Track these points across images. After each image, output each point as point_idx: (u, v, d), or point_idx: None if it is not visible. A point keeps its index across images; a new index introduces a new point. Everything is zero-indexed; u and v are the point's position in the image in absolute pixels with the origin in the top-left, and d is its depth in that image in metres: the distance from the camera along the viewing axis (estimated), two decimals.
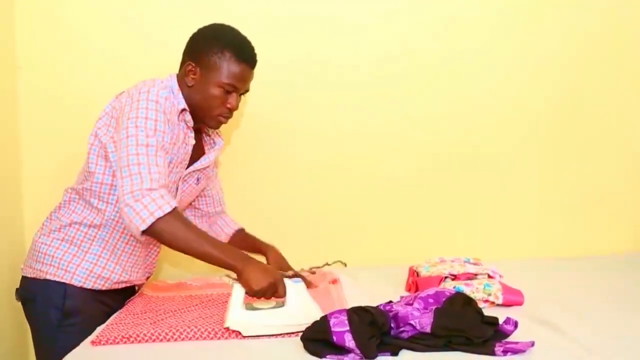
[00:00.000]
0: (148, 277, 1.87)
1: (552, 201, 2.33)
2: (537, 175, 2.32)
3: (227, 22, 1.71)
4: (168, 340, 1.41)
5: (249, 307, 1.46)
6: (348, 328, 1.24)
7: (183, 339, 1.42)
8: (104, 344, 1.39)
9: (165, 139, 1.56)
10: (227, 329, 1.43)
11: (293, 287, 1.49)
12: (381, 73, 2.24)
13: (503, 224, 2.31)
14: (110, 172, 1.64)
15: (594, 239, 2.33)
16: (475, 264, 1.84)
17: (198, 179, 1.82)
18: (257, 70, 1.68)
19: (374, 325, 1.27)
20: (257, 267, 1.50)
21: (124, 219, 1.49)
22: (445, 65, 2.26)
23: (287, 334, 1.41)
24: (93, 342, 1.40)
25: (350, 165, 2.27)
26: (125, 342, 1.40)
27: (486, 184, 2.30)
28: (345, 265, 2.15)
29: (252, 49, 1.69)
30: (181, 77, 1.68)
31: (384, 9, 2.23)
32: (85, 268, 1.66)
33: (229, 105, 1.67)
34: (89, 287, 1.66)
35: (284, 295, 1.48)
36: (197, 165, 1.76)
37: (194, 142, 1.71)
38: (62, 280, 1.64)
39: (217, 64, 1.62)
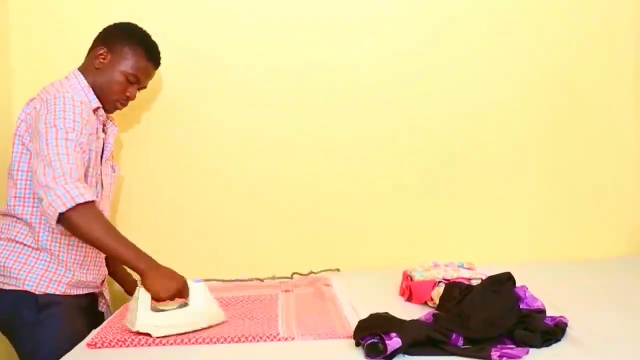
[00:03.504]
0: (103, 281, 1.87)
1: (547, 205, 2.33)
2: (531, 179, 2.32)
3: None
4: (164, 344, 1.41)
5: (155, 308, 1.51)
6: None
7: (181, 343, 1.42)
8: (99, 347, 1.40)
9: (82, 139, 1.62)
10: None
11: (195, 287, 1.55)
12: (374, 77, 2.24)
13: (497, 228, 2.31)
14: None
15: (590, 242, 2.32)
16: (469, 268, 1.85)
17: (112, 166, 1.90)
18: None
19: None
20: (164, 273, 1.55)
21: (42, 201, 1.52)
22: (439, 70, 2.26)
23: (195, 331, 1.47)
24: (89, 345, 1.41)
25: (343, 170, 2.27)
26: (120, 346, 1.40)
27: (480, 188, 2.30)
28: (339, 270, 2.15)
29: (159, 52, 1.89)
30: (88, 63, 1.82)
31: (385, 12, 2.24)
32: (37, 274, 1.66)
33: (127, 94, 1.83)
34: (42, 291, 1.65)
35: (187, 295, 1.54)
36: (107, 152, 1.84)
37: (104, 135, 1.82)
38: (18, 289, 1.64)
39: (128, 54, 1.80)
